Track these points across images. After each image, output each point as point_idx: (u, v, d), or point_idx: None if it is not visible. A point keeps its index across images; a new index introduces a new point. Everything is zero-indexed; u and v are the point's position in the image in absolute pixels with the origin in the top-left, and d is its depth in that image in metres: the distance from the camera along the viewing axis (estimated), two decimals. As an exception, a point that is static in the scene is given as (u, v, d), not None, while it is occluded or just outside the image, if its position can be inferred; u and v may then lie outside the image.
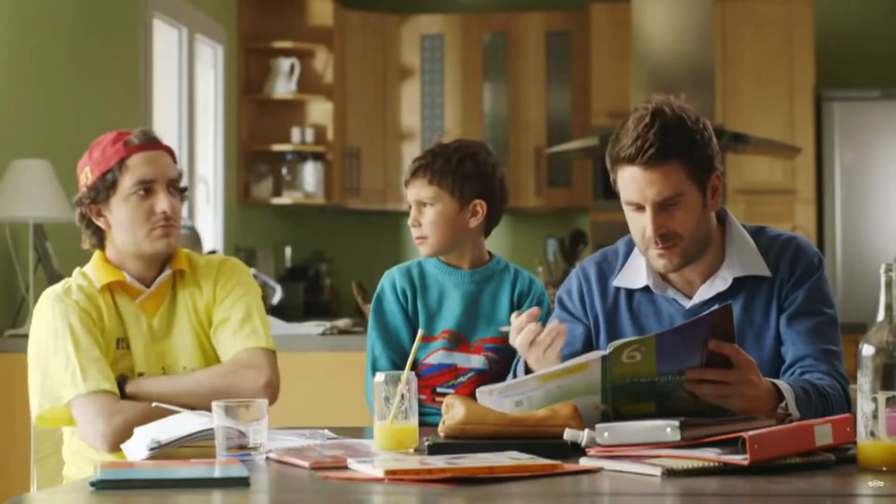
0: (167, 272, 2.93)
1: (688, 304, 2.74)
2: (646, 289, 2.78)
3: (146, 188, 2.86)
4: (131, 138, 2.87)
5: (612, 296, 2.81)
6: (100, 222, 2.90)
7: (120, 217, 2.87)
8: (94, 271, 2.92)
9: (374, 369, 3.14)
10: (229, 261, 3.03)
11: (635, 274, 2.78)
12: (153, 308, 2.93)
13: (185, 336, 2.92)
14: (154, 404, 2.75)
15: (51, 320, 2.84)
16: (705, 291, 2.74)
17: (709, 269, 2.75)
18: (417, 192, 3.16)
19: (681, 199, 2.65)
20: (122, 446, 2.61)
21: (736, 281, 2.73)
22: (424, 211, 3.15)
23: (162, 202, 2.86)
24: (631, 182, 2.65)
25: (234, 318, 2.93)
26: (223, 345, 2.93)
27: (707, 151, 2.68)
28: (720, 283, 2.73)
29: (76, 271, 2.96)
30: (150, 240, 2.87)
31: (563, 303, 2.87)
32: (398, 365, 3.12)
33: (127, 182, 2.85)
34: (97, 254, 2.94)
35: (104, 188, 2.86)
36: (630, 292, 2.80)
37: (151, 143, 2.90)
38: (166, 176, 2.88)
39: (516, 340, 2.68)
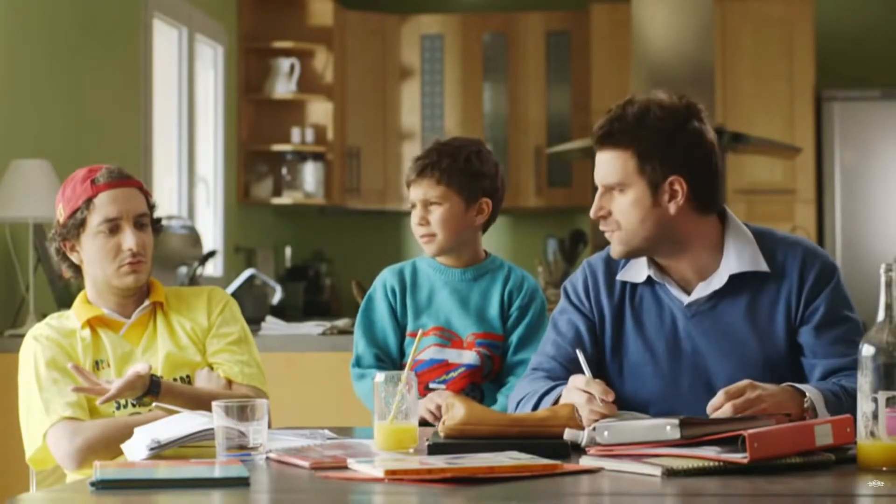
0: (146, 303, 3.00)
1: (686, 300, 2.74)
2: (647, 283, 2.77)
3: (112, 226, 2.92)
4: (98, 177, 2.94)
5: (619, 291, 2.81)
6: (73, 257, 2.98)
7: (90, 253, 2.94)
8: (74, 311, 2.99)
9: (357, 366, 3.18)
10: (217, 290, 3.10)
11: (638, 267, 2.78)
12: (136, 338, 2.99)
13: (170, 352, 2.96)
14: (154, 404, 2.80)
15: (24, 363, 2.92)
16: (703, 289, 2.73)
17: (704, 268, 2.74)
18: (425, 191, 3.15)
19: (625, 188, 2.67)
20: (122, 446, 2.62)
21: (736, 278, 2.72)
22: (432, 210, 3.15)
23: (128, 239, 2.92)
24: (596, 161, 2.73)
25: (238, 353, 2.99)
26: (223, 367, 2.98)
27: (666, 151, 2.65)
28: (717, 280, 2.73)
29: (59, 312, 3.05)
30: (119, 276, 2.94)
31: (567, 294, 2.88)
32: (380, 360, 3.15)
33: (94, 220, 2.92)
34: (79, 295, 3.01)
35: (74, 226, 2.94)
36: (633, 286, 2.80)
37: (118, 180, 2.95)
38: (133, 212, 2.94)
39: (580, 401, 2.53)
